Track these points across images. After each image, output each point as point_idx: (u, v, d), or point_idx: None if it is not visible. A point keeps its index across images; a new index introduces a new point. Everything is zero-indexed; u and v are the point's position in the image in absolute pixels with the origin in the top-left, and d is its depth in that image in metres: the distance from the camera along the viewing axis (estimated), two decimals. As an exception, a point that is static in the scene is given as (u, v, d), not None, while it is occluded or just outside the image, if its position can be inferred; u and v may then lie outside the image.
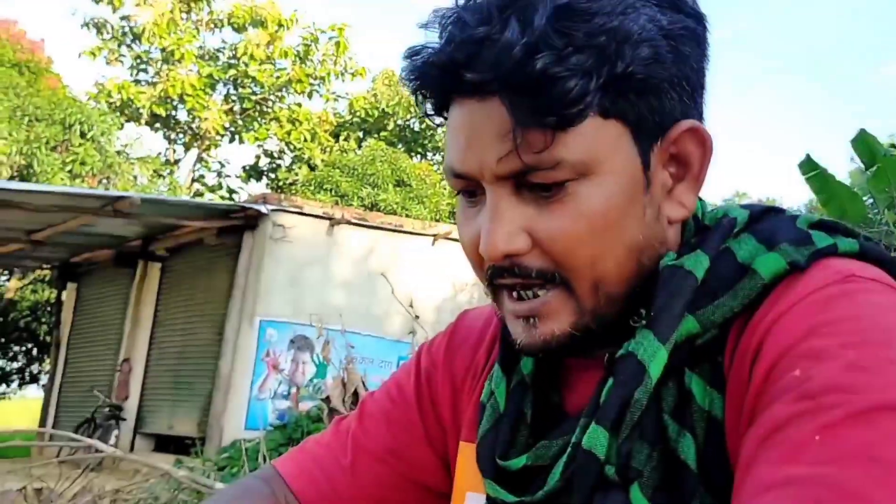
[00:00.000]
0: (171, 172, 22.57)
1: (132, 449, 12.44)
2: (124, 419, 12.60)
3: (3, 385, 20.95)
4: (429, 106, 0.83)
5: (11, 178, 16.87)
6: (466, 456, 0.95)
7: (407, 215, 15.42)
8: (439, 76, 0.79)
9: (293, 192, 18.91)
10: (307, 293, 11.20)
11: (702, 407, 0.77)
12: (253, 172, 24.44)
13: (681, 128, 0.80)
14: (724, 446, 0.76)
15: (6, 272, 18.47)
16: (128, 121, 21.61)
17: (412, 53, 0.81)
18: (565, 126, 0.75)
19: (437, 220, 15.66)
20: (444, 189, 18.84)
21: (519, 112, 0.75)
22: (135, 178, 20.37)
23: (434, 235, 12.27)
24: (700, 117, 0.83)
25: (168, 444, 12.19)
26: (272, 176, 24.13)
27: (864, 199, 4.57)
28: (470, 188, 0.82)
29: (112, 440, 12.06)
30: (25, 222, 11.62)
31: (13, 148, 16.65)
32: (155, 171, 21.12)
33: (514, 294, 0.81)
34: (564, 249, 0.78)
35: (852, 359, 0.67)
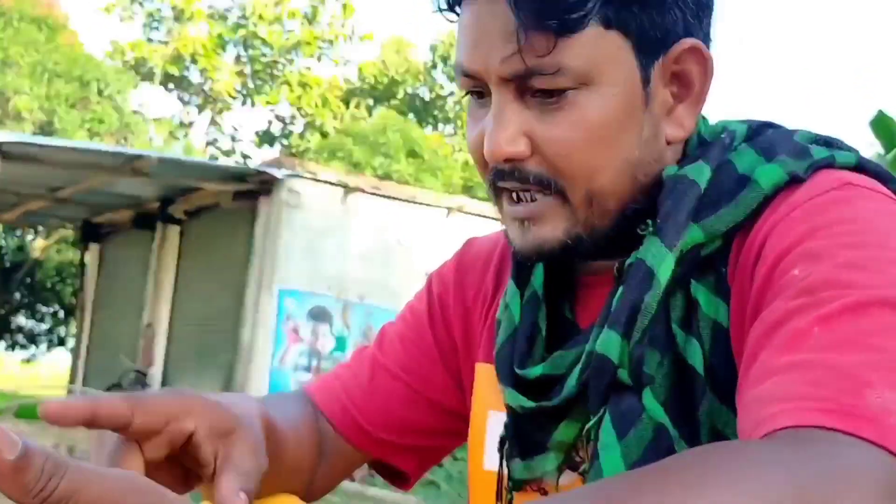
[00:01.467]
0: (186, 135, 22.62)
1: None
2: (149, 385, 12.67)
3: (33, 346, 21.10)
4: (441, 1, 0.83)
5: (34, 134, 16.79)
6: (485, 376, 0.98)
7: (421, 187, 15.53)
8: None
9: (307, 159, 19.00)
10: (324, 262, 11.27)
11: (707, 315, 0.79)
12: (266, 138, 24.47)
13: (682, 45, 0.81)
14: (730, 352, 0.78)
15: (32, 230, 18.59)
16: (142, 80, 21.63)
17: None
18: (567, 31, 0.76)
19: (451, 194, 15.78)
20: (457, 161, 18.94)
21: (522, 12, 0.75)
22: (151, 139, 20.43)
23: (448, 208, 12.37)
24: (706, 38, 0.84)
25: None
26: (285, 142, 24.18)
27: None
28: (478, 88, 0.83)
29: (140, 406, 12.15)
30: (48, 178, 11.75)
31: (35, 104, 16.68)
32: (170, 132, 21.19)
33: (514, 196, 0.83)
34: (562, 156, 0.80)
35: (850, 258, 0.69)
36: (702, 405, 0.78)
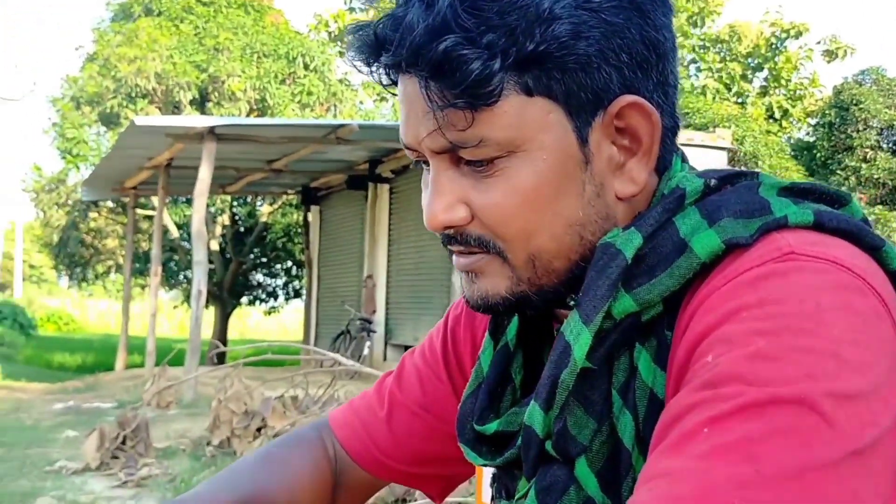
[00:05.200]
0: (395, 95, 23.30)
1: (385, 358, 13.47)
2: (374, 331, 13.57)
3: (272, 299, 22.87)
4: (383, 77, 0.82)
5: (250, 112, 17.94)
6: None
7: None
8: (367, 54, 0.79)
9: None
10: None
11: (645, 383, 0.76)
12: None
13: (621, 103, 0.77)
14: None
15: (260, 198, 19.80)
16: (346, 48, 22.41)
17: (355, 29, 0.81)
18: (478, 106, 0.74)
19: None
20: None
21: (431, 93, 0.75)
22: (361, 102, 21.18)
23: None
24: (657, 87, 0.80)
25: (415, 352, 13.11)
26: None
27: None
28: (422, 158, 0.83)
29: (366, 350, 13.13)
30: (262, 153, 12.59)
31: (247, 84, 17.65)
32: (378, 94, 21.96)
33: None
34: (497, 222, 0.79)
35: (760, 347, 0.65)
36: (625, 481, 0.76)
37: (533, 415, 0.79)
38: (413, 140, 0.80)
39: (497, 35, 0.73)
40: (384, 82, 0.82)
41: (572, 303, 0.80)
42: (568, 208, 0.78)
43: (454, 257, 0.84)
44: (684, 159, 0.85)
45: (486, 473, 1.01)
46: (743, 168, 0.84)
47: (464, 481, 1.11)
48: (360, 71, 0.81)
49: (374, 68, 0.80)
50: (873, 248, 0.73)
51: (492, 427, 0.86)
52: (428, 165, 0.82)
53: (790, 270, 0.69)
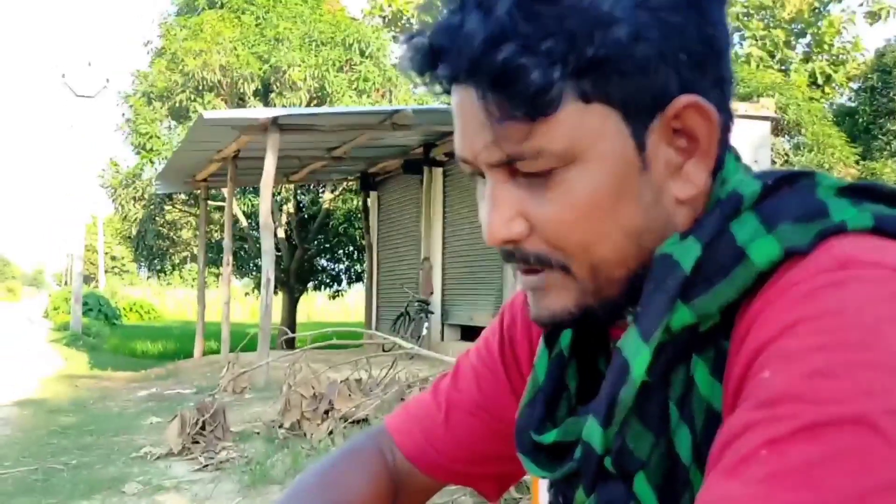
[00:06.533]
0: (449, 105, 23.41)
1: (442, 339, 13.89)
2: (432, 312, 13.99)
3: (335, 284, 23.46)
4: (437, 87, 0.78)
5: (310, 101, 18.32)
6: None
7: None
8: (422, 65, 0.77)
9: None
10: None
11: (703, 397, 0.74)
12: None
13: (678, 104, 0.75)
14: None
15: (322, 186, 20.31)
16: (400, 32, 22.55)
17: (408, 38, 0.78)
18: (537, 116, 0.72)
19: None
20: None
21: (489, 105, 0.73)
22: (415, 86, 21.52)
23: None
24: (714, 84, 0.77)
25: (472, 333, 13.34)
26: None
27: None
28: (477, 171, 0.80)
29: (424, 331, 13.59)
30: (323, 142, 13.00)
31: (307, 73, 17.99)
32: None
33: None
34: (557, 235, 0.77)
35: (819, 363, 0.63)
36: (683, 497, 0.75)
37: (591, 432, 0.78)
38: (469, 153, 0.78)
39: (556, 41, 0.71)
40: (438, 91, 0.79)
41: (630, 317, 0.79)
42: (627, 216, 0.76)
43: (519, 276, 0.82)
44: (737, 157, 0.83)
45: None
46: (795, 166, 0.87)
47: (519, 479, 1.11)
48: (412, 81, 0.86)
49: (427, 78, 0.78)
50: None
51: (550, 437, 0.86)
52: (484, 178, 0.80)
53: (848, 280, 0.67)
